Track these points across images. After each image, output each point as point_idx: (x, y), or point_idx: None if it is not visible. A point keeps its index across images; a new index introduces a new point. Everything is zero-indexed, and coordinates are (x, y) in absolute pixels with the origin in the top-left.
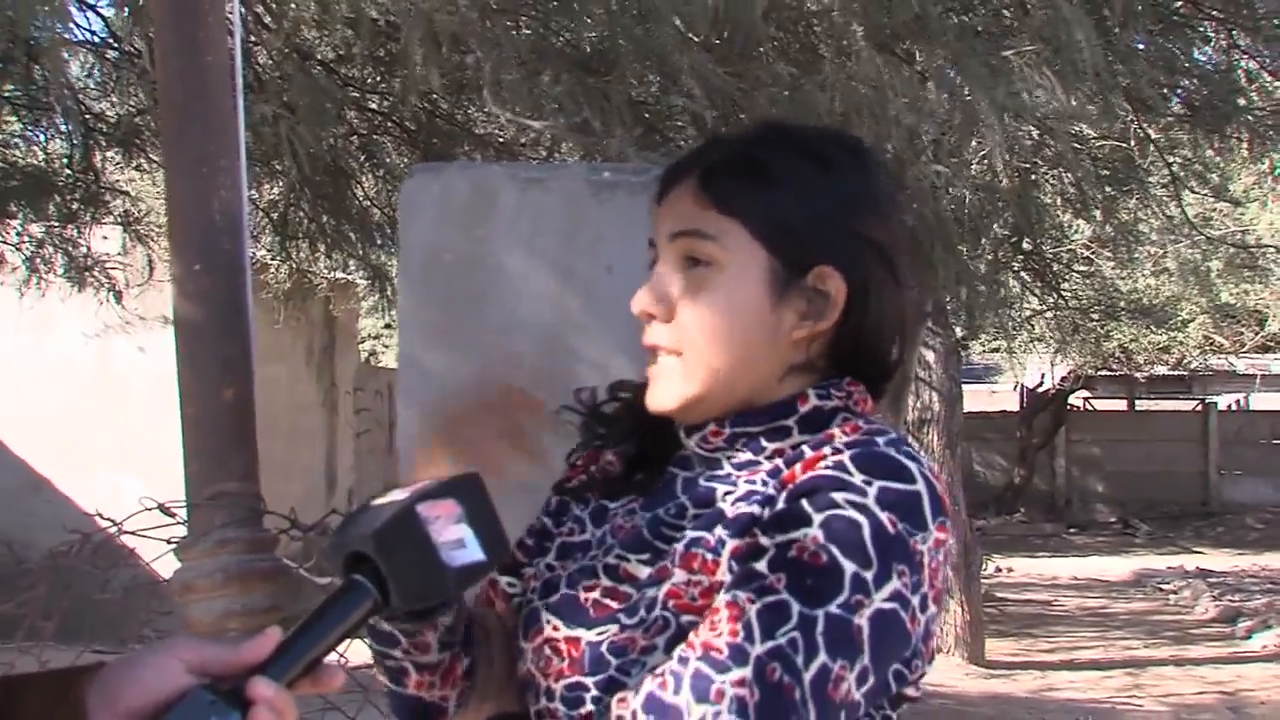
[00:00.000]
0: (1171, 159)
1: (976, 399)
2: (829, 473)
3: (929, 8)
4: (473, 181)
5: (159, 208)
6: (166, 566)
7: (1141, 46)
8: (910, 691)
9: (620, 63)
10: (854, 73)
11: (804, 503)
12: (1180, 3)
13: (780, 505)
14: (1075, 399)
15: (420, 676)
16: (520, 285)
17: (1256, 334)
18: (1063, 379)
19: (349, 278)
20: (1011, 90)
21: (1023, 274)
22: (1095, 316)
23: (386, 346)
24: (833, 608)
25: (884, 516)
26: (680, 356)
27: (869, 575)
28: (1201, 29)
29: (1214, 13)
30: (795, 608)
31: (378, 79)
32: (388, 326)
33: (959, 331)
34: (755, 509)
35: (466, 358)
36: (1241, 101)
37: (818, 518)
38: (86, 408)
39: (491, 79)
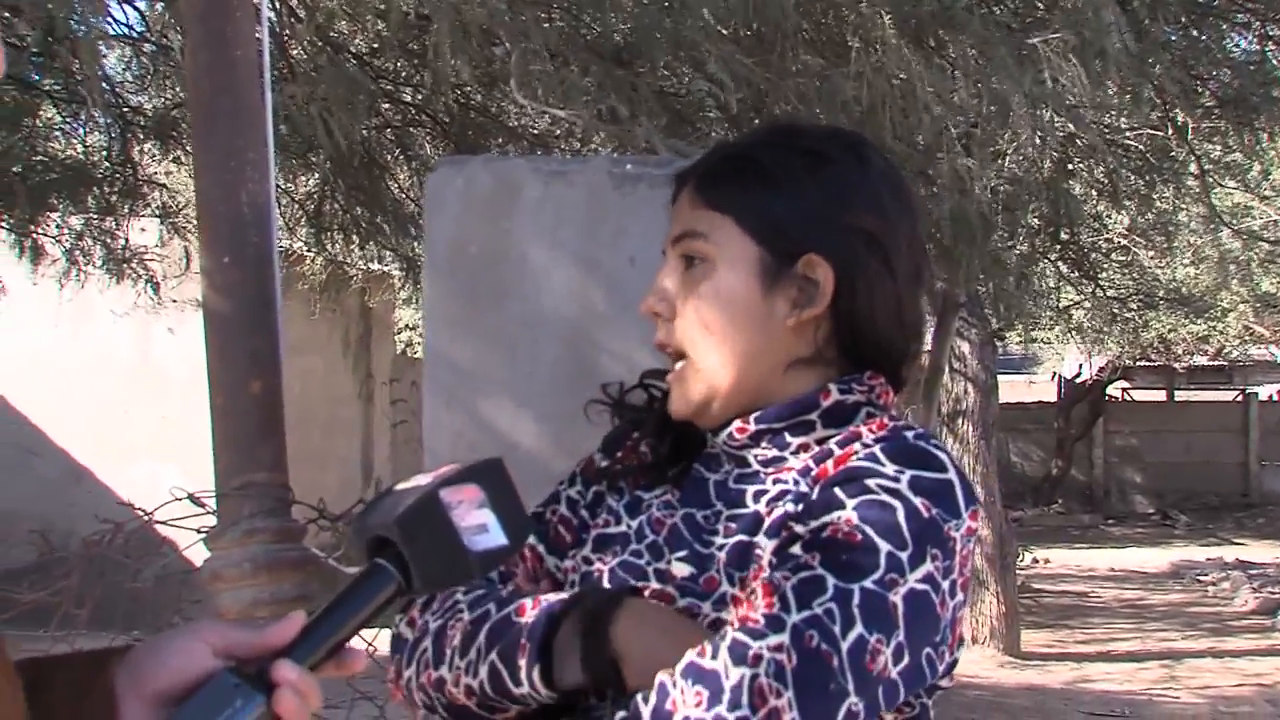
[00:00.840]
0: (1211, 147)
1: (1014, 390)
2: (861, 463)
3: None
4: (496, 174)
5: (193, 198)
6: (203, 555)
7: (1173, 38)
8: (943, 682)
9: (648, 53)
10: (881, 64)
11: (837, 490)
12: None
13: (814, 497)
14: (1113, 389)
15: None
16: (543, 277)
17: None
18: (1100, 369)
19: (385, 269)
20: (1039, 79)
21: (1060, 264)
22: (1133, 306)
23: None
24: (868, 583)
25: (918, 501)
26: (687, 359)
27: (904, 555)
28: (1237, 20)
29: (1248, 4)
30: (831, 581)
31: (411, 71)
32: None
33: (994, 322)
34: (790, 507)
35: (491, 349)
36: (1277, 93)
37: (851, 502)
38: (125, 397)
39: (519, 70)
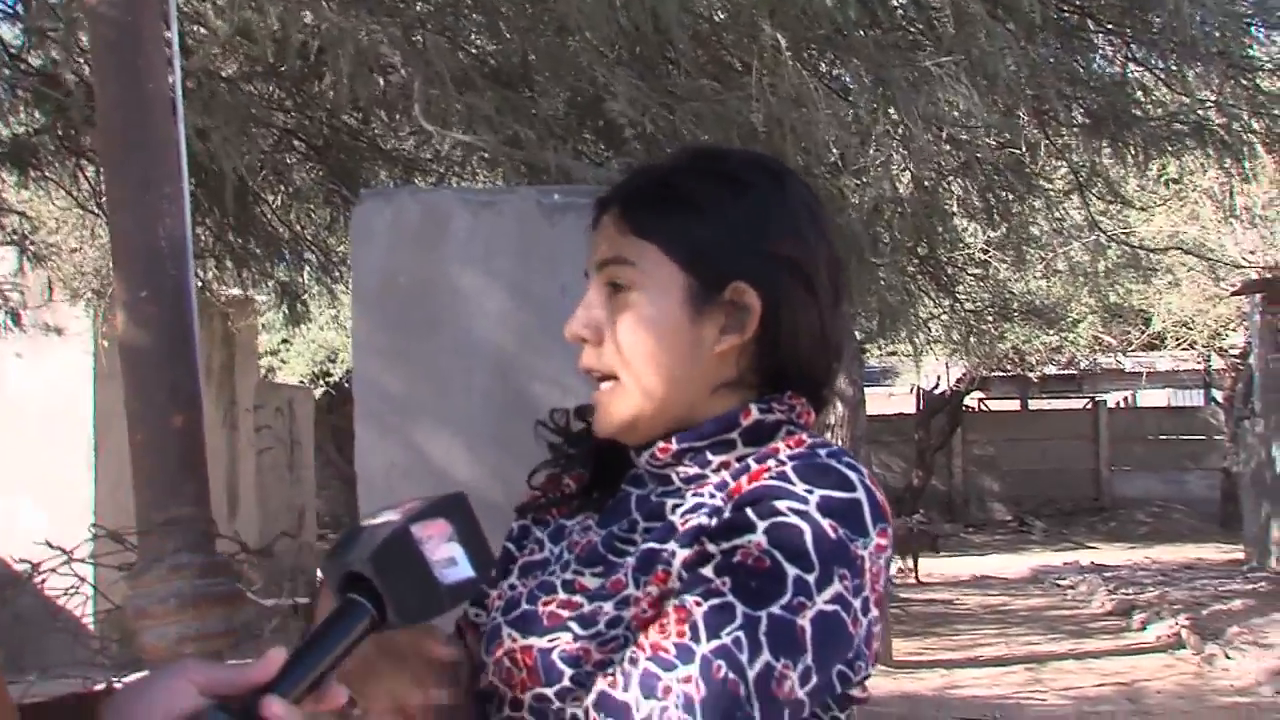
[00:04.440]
0: (1077, 162)
1: (874, 402)
2: (772, 482)
3: (849, 22)
4: (425, 206)
5: (53, 226)
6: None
7: (1046, 60)
8: (856, 693)
9: (536, 78)
10: (775, 86)
11: (748, 511)
12: (1078, 17)
13: (726, 514)
14: (970, 400)
15: None
16: (475, 307)
17: (1142, 333)
18: (958, 380)
19: (247, 294)
20: (932, 99)
21: (918, 278)
22: (989, 319)
23: (284, 362)
24: (775, 609)
25: (825, 523)
26: (615, 380)
27: (811, 578)
28: (1099, 42)
29: (1110, 26)
30: (739, 609)
31: (283, 96)
32: (284, 342)
33: (858, 336)
34: (704, 519)
35: (423, 378)
36: (1137, 112)
37: (761, 524)
38: None
39: (421, 96)
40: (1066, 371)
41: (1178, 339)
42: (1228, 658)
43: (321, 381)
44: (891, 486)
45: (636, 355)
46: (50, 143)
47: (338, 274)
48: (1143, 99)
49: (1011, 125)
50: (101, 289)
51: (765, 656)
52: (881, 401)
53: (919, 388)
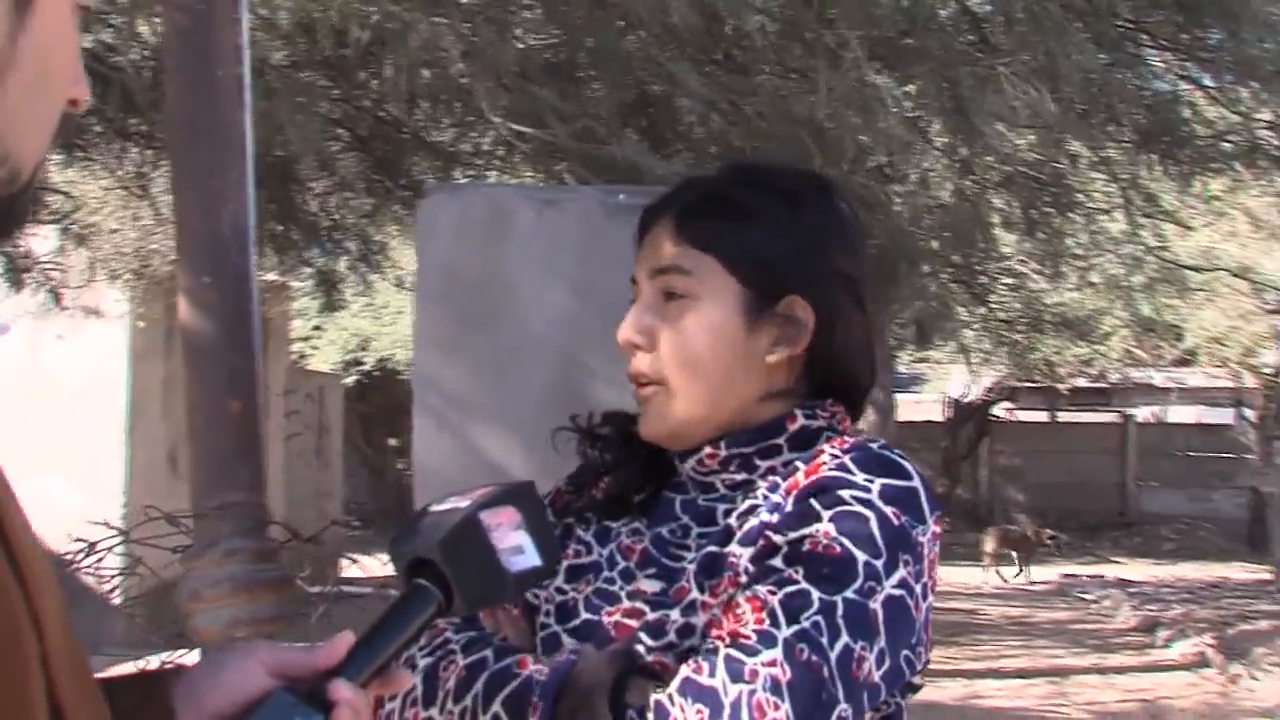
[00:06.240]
0: (1121, 176)
1: (903, 409)
2: (834, 474)
3: (916, 24)
4: (490, 202)
5: (94, 206)
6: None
7: (1094, 76)
8: (916, 679)
9: (592, 73)
10: (840, 85)
11: (812, 501)
12: (1132, 32)
13: (789, 508)
14: (999, 410)
15: None
16: (535, 303)
17: (1174, 348)
18: (987, 390)
19: (282, 279)
20: (1004, 102)
21: (951, 286)
22: (1021, 329)
23: (315, 349)
24: (849, 593)
25: (888, 510)
26: (664, 385)
27: (879, 564)
28: (1151, 58)
29: (1164, 43)
30: (815, 594)
31: (329, 84)
32: (316, 329)
33: (891, 342)
34: (765, 516)
35: (482, 373)
36: (1185, 130)
37: (827, 514)
38: (13, 409)
39: (483, 88)
40: (1096, 385)
41: (1210, 356)
42: (1253, 678)
43: (352, 369)
44: None
45: (688, 363)
46: (98, 124)
47: (375, 263)
48: (1190, 117)
49: (1067, 126)
50: (140, 270)
51: (844, 639)
52: (910, 408)
53: (948, 396)
